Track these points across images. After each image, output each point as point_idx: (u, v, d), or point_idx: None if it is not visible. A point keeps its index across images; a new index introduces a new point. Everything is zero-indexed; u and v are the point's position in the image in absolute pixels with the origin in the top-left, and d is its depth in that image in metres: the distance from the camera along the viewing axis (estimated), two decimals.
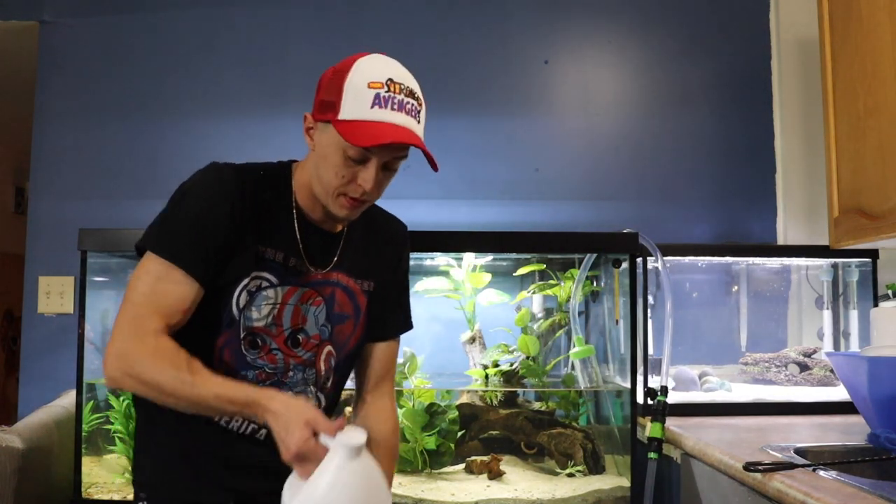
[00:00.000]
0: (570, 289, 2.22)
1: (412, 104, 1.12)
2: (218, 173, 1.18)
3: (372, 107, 1.09)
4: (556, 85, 2.58)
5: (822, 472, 1.27)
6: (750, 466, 1.31)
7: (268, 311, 1.18)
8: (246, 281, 1.16)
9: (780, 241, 2.47)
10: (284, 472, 1.06)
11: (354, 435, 1.00)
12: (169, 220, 1.15)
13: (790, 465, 1.30)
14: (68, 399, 2.13)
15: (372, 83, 1.11)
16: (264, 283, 1.18)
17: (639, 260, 2.03)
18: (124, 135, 2.55)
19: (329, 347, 1.26)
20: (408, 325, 1.41)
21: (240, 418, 1.19)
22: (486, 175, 2.49)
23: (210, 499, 1.21)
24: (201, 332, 1.16)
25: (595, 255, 2.19)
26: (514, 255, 2.20)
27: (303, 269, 1.21)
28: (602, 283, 2.29)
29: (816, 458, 1.44)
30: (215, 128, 2.55)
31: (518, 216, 2.48)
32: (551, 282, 2.28)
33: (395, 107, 1.10)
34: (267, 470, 1.16)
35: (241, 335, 1.17)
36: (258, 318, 1.17)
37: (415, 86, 1.15)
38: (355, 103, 1.10)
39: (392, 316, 1.37)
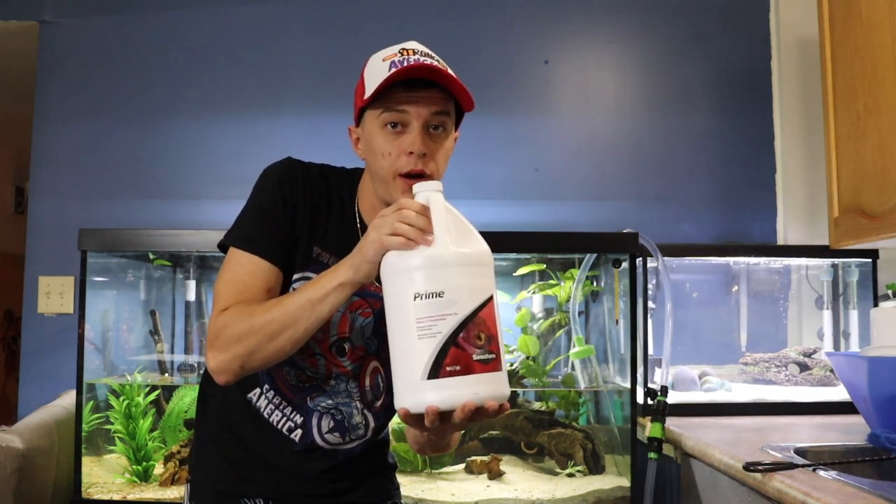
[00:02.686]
0: (570, 289, 2.22)
1: (431, 60, 1.10)
2: (282, 165, 1.19)
3: (389, 70, 1.07)
4: (556, 85, 2.57)
5: (822, 472, 1.26)
6: (750, 466, 1.31)
7: None
8: (296, 277, 1.16)
9: (780, 241, 2.47)
10: (317, 479, 1.17)
11: (431, 182, 0.99)
12: (243, 213, 1.18)
13: (790, 465, 1.30)
14: (68, 399, 2.13)
15: (386, 57, 1.10)
16: None
17: (639, 260, 2.03)
18: (124, 135, 2.55)
19: (375, 363, 1.21)
20: None
21: (280, 414, 1.19)
22: (486, 175, 2.49)
23: (244, 492, 1.21)
24: None
25: (595, 255, 2.19)
26: (514, 255, 2.20)
27: None
28: (602, 283, 2.29)
29: (816, 458, 1.44)
30: (215, 128, 2.55)
31: (518, 216, 2.48)
32: (551, 282, 2.28)
33: (412, 63, 1.07)
34: (301, 474, 1.19)
35: None
36: None
37: (433, 53, 1.13)
38: (375, 77, 1.08)
39: None
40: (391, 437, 1.42)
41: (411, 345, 0.91)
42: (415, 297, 0.91)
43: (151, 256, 2.31)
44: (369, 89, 1.08)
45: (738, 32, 2.55)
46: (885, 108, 1.65)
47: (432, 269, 0.92)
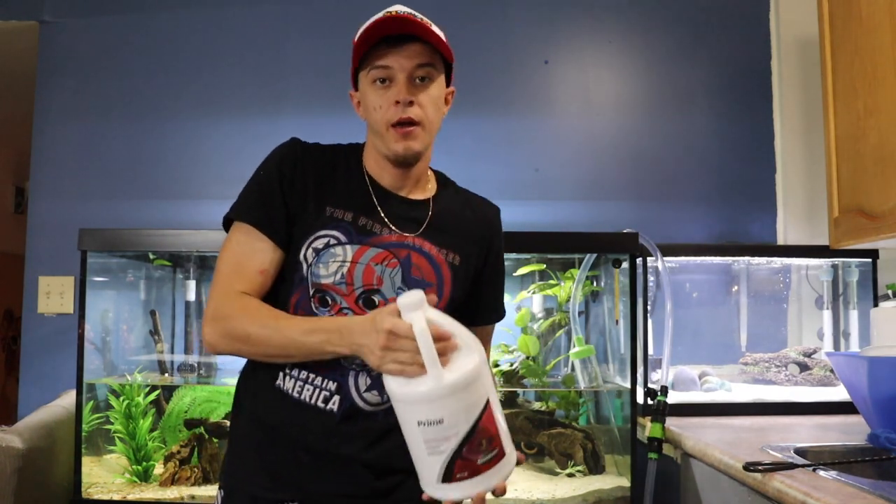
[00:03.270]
0: (570, 289, 2.22)
1: (416, 15, 1.17)
2: (286, 143, 1.26)
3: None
4: (556, 85, 2.57)
5: (822, 472, 1.26)
6: (750, 466, 1.31)
7: (335, 268, 1.18)
8: (311, 238, 1.19)
9: (780, 241, 2.47)
10: (356, 472, 1.18)
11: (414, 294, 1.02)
12: (243, 190, 1.24)
13: (790, 465, 1.30)
14: (68, 399, 2.13)
15: (372, 21, 1.17)
16: (332, 241, 1.19)
17: (639, 260, 2.03)
18: (124, 135, 2.55)
19: None
20: (499, 313, 1.39)
21: (311, 388, 1.19)
22: (486, 175, 2.49)
23: (278, 496, 1.20)
24: (281, 293, 1.21)
25: (595, 255, 2.19)
26: (513, 255, 2.20)
27: (375, 230, 1.21)
28: (602, 283, 2.29)
29: (816, 458, 1.44)
30: (215, 127, 2.55)
31: (518, 216, 2.48)
32: (551, 282, 2.28)
33: (397, 15, 1.15)
34: (340, 464, 1.19)
35: (311, 292, 1.19)
36: (326, 274, 1.18)
37: (418, 14, 1.18)
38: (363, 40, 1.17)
39: (483, 301, 1.35)
40: None
41: (423, 457, 1.01)
42: (418, 424, 0.99)
43: (151, 256, 2.31)
44: (358, 50, 1.17)
45: (738, 32, 2.55)
46: (885, 108, 1.65)
47: (428, 402, 0.98)
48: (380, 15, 1.16)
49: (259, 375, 1.23)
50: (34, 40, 2.60)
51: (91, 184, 2.53)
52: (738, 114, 2.53)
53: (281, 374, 1.20)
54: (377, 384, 1.19)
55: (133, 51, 2.58)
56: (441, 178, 1.34)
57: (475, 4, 2.58)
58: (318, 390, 1.19)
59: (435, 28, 1.18)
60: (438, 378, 0.98)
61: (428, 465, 1.01)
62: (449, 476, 1.00)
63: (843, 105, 1.86)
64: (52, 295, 2.48)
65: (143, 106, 2.56)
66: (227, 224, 1.23)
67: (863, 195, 1.75)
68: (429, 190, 1.30)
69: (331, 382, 1.18)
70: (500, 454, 1.03)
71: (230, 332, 1.14)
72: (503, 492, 1.05)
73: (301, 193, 1.20)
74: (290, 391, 1.20)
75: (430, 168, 1.32)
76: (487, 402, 1.01)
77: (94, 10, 2.60)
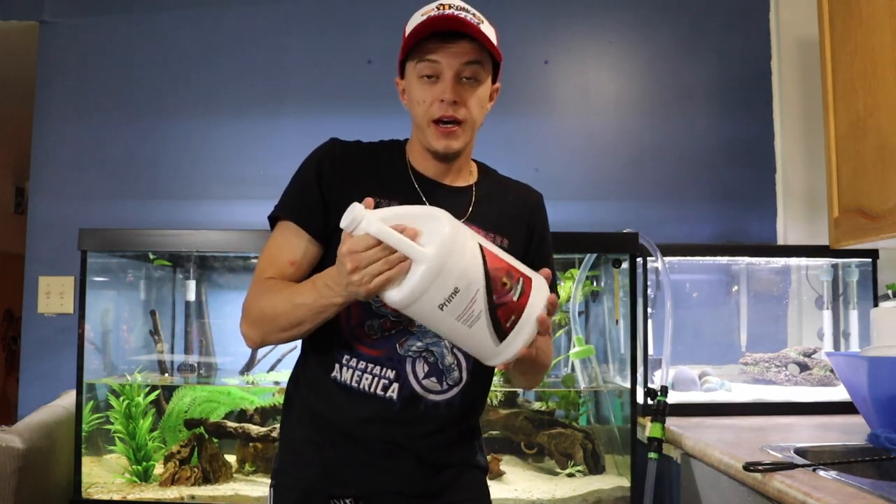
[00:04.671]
0: (570, 289, 2.22)
1: (467, 14, 1.16)
2: (324, 143, 1.27)
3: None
4: (556, 85, 2.58)
5: (822, 472, 1.26)
6: (750, 466, 1.31)
7: None
8: None
9: (780, 241, 2.47)
10: (411, 468, 1.19)
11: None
12: (284, 190, 1.26)
13: (790, 465, 1.30)
14: (68, 399, 2.13)
15: (424, 12, 1.18)
16: None
17: (639, 260, 2.03)
18: (124, 135, 2.55)
19: None
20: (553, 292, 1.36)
21: (370, 377, 1.19)
22: None
23: (330, 491, 1.20)
24: None
25: (595, 255, 2.19)
26: None
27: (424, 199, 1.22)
28: (602, 283, 2.29)
29: (816, 458, 1.44)
30: (215, 128, 2.55)
31: None
32: None
33: (444, 15, 1.15)
34: (395, 459, 1.19)
35: None
36: None
37: (470, 7, 1.19)
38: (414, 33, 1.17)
39: None
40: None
41: (469, 335, 0.99)
42: (441, 308, 0.97)
43: (151, 256, 2.31)
44: (408, 42, 1.17)
45: (738, 32, 2.55)
46: (885, 108, 1.65)
47: (433, 281, 0.96)
48: (432, 9, 1.17)
49: (312, 369, 1.24)
50: (34, 40, 2.60)
51: (91, 184, 2.53)
52: (738, 114, 2.53)
53: (337, 366, 1.19)
54: (435, 370, 1.19)
55: (133, 51, 2.58)
56: (482, 167, 1.35)
57: (475, 4, 2.57)
58: (377, 378, 1.18)
59: (485, 27, 1.18)
60: (424, 256, 0.96)
61: (478, 338, 1.00)
62: (501, 332, 0.99)
63: (843, 105, 1.86)
64: (52, 295, 2.48)
65: (143, 106, 2.56)
66: (273, 224, 1.25)
67: (863, 195, 1.75)
68: (471, 178, 1.30)
69: (389, 371, 1.18)
70: (527, 280, 1.02)
71: (252, 316, 1.16)
72: (554, 306, 1.04)
73: (340, 188, 1.20)
74: (348, 381, 1.19)
75: (472, 159, 1.33)
76: (480, 247, 1.00)
77: (94, 10, 2.60)
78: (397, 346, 1.18)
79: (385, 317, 1.18)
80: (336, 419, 1.20)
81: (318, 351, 1.22)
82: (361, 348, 1.19)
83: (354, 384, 1.19)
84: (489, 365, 1.07)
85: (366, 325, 1.19)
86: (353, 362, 1.19)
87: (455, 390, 1.20)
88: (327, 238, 1.20)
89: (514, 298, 0.99)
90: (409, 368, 1.18)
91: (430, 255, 0.95)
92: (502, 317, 0.98)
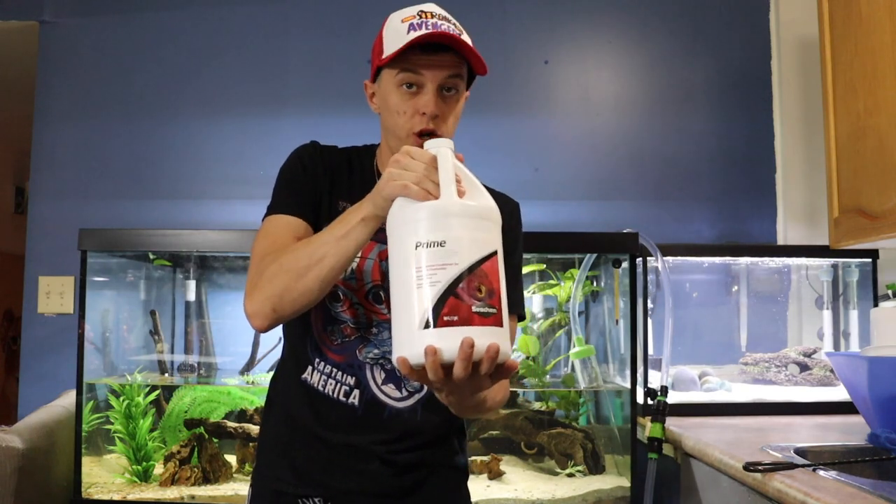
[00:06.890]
0: (570, 289, 2.22)
1: (449, 25, 1.15)
2: (304, 144, 1.28)
3: (408, 32, 1.12)
4: (556, 85, 2.57)
5: (822, 472, 1.27)
6: (750, 466, 1.31)
7: None
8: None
9: (780, 241, 2.47)
10: (376, 469, 1.18)
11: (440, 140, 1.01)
12: (273, 191, 1.25)
13: (790, 465, 1.30)
14: (68, 399, 2.13)
15: (405, 18, 1.15)
16: None
17: (639, 260, 2.03)
18: (124, 135, 2.55)
19: None
20: (517, 310, 1.26)
21: (334, 382, 1.19)
22: (486, 175, 2.46)
23: (299, 491, 1.22)
24: None
25: (595, 255, 2.19)
26: None
27: (382, 226, 1.18)
28: (602, 283, 2.29)
29: (816, 458, 1.44)
30: (215, 128, 2.55)
31: None
32: (551, 282, 2.28)
33: (431, 27, 1.12)
34: (361, 461, 1.20)
35: None
36: None
37: (450, 16, 1.18)
38: (394, 38, 1.14)
39: None
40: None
41: (410, 294, 0.90)
42: (416, 246, 0.91)
43: (151, 256, 2.31)
44: (388, 49, 1.14)
45: (738, 32, 2.55)
46: (885, 108, 1.65)
47: (435, 218, 0.92)
48: (414, 16, 1.14)
49: (289, 370, 1.25)
50: (34, 40, 2.60)
51: (91, 184, 2.53)
52: (738, 114, 2.53)
53: (309, 368, 1.21)
54: (393, 377, 1.20)
55: (133, 51, 2.58)
56: None
57: (475, 4, 2.58)
58: (339, 384, 1.20)
59: (465, 37, 1.17)
60: (451, 196, 0.93)
61: (414, 303, 0.89)
62: (435, 319, 0.87)
63: (843, 105, 1.86)
64: (52, 295, 2.48)
65: (144, 106, 2.56)
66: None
67: (863, 195, 1.75)
68: None
69: (349, 377, 1.20)
70: (497, 319, 0.90)
71: (269, 284, 1.07)
72: (495, 366, 0.90)
73: (320, 184, 1.22)
74: (315, 385, 1.21)
75: None
76: (495, 252, 0.93)
77: (94, 10, 2.60)
78: (357, 352, 1.19)
79: (345, 323, 1.20)
80: (304, 421, 1.22)
81: (294, 353, 1.24)
82: (328, 353, 1.21)
83: (320, 388, 1.21)
84: (394, 356, 0.92)
85: (327, 330, 1.20)
86: (321, 366, 1.21)
87: (417, 397, 1.21)
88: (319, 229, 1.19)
89: (473, 309, 0.88)
90: (368, 375, 1.20)
91: (455, 202, 0.93)
92: (449, 306, 0.87)
